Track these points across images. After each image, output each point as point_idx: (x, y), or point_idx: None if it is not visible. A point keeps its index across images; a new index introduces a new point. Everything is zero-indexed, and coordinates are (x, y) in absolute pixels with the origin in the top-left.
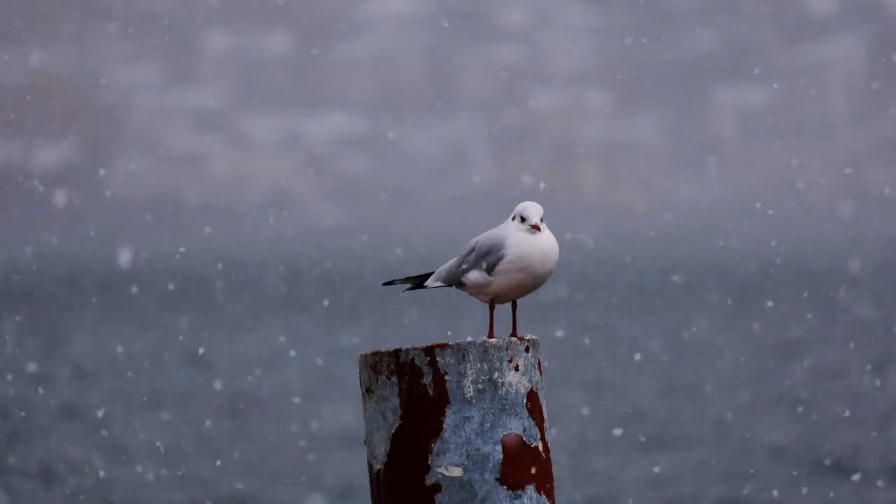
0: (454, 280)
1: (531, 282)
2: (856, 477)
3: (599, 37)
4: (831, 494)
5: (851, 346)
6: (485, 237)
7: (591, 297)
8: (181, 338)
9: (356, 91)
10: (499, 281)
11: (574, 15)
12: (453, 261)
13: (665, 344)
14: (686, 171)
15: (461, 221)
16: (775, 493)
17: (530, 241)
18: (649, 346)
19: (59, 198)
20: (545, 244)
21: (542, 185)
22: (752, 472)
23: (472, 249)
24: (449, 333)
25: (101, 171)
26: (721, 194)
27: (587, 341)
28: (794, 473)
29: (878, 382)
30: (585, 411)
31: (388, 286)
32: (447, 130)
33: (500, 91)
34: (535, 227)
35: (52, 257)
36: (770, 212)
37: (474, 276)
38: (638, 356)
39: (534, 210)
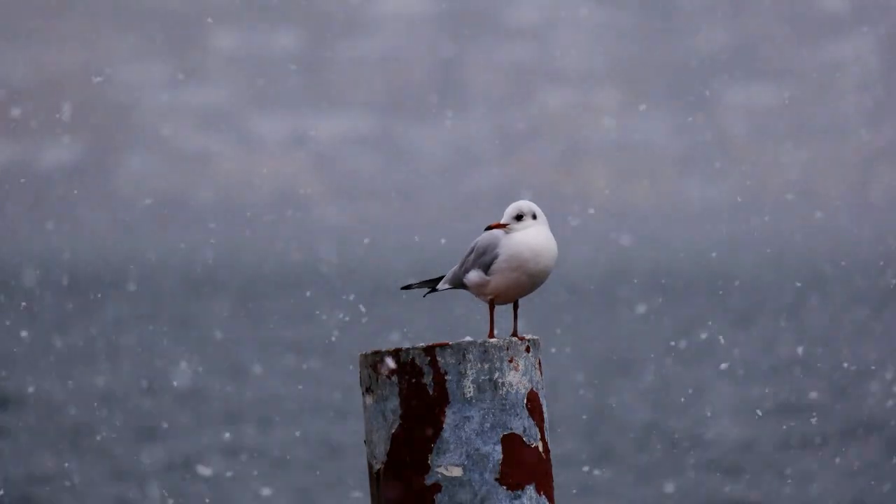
0: (458, 281)
1: (527, 280)
2: None
3: (609, 36)
4: None
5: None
6: (483, 237)
7: (599, 297)
8: (187, 335)
9: (364, 90)
10: (495, 280)
11: (583, 14)
12: (459, 263)
13: (669, 345)
14: (695, 170)
15: (469, 220)
16: None
17: (523, 240)
18: (654, 346)
19: (66, 195)
20: (538, 243)
21: (549, 183)
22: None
23: (472, 250)
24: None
25: (109, 169)
26: (730, 193)
27: (591, 342)
28: None
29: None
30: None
31: (406, 290)
32: (455, 129)
33: (509, 90)
34: (495, 226)
35: (57, 255)
36: (780, 210)
37: (473, 276)
38: (642, 357)
39: (509, 209)
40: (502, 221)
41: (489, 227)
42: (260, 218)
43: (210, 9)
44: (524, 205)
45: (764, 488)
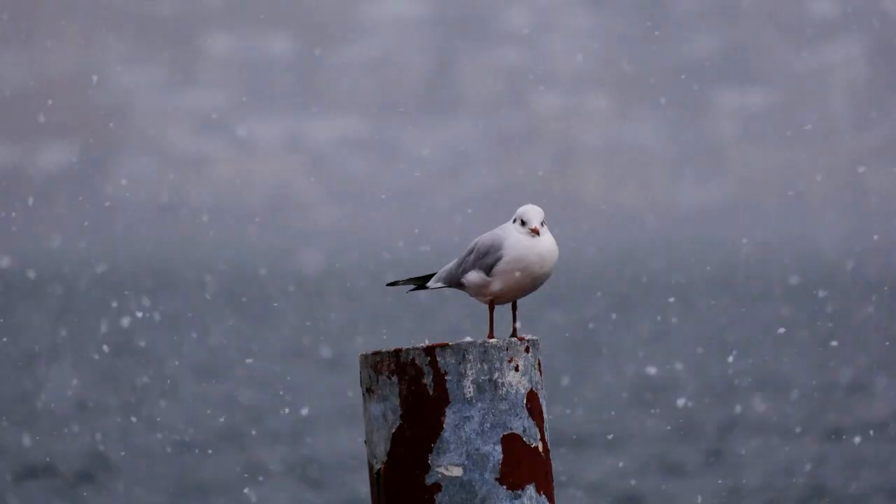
0: (454, 281)
1: (529, 283)
2: None
3: (601, 39)
4: None
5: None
6: (484, 238)
7: (592, 300)
8: (185, 336)
9: (358, 93)
10: (497, 281)
11: (576, 17)
12: (454, 262)
13: (667, 345)
14: (687, 174)
15: (462, 224)
16: None
17: (528, 243)
18: (651, 347)
19: (62, 199)
20: (543, 246)
21: (542, 187)
22: None
23: (472, 250)
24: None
25: (104, 173)
26: (722, 197)
27: (588, 343)
28: None
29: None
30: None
31: (392, 286)
32: (449, 133)
33: (502, 93)
34: (535, 231)
35: (54, 259)
36: (771, 214)
37: (473, 276)
38: (638, 358)
39: (534, 213)
40: (536, 226)
41: (535, 231)
42: (255, 221)
43: (205, 13)
44: (541, 210)
45: None
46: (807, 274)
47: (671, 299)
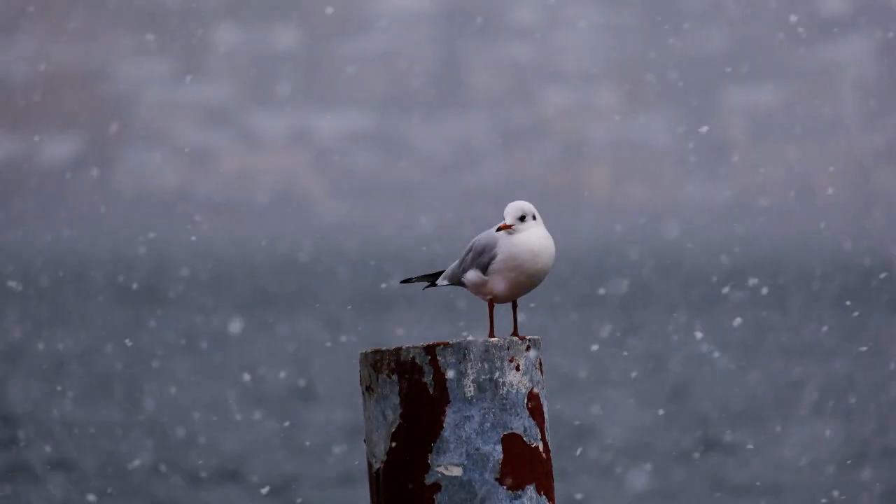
0: (456, 280)
1: (525, 280)
2: None
3: (609, 35)
4: None
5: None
6: (480, 237)
7: (600, 297)
8: (182, 337)
9: (365, 87)
10: (493, 280)
11: (584, 13)
12: (457, 261)
13: (670, 347)
14: (696, 171)
15: (469, 219)
16: None
17: (521, 241)
18: (653, 348)
19: (67, 192)
20: (536, 243)
21: (549, 183)
22: None
23: (470, 249)
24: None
25: (109, 166)
26: (731, 194)
27: (593, 341)
28: None
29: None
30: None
31: (406, 283)
32: (456, 128)
33: (510, 89)
34: (503, 227)
35: (58, 252)
36: (780, 212)
37: (471, 275)
38: (638, 357)
39: (508, 210)
40: (507, 222)
41: (500, 229)
42: (260, 214)
43: (211, 5)
44: (525, 205)
45: None
46: (815, 272)
47: (669, 300)
